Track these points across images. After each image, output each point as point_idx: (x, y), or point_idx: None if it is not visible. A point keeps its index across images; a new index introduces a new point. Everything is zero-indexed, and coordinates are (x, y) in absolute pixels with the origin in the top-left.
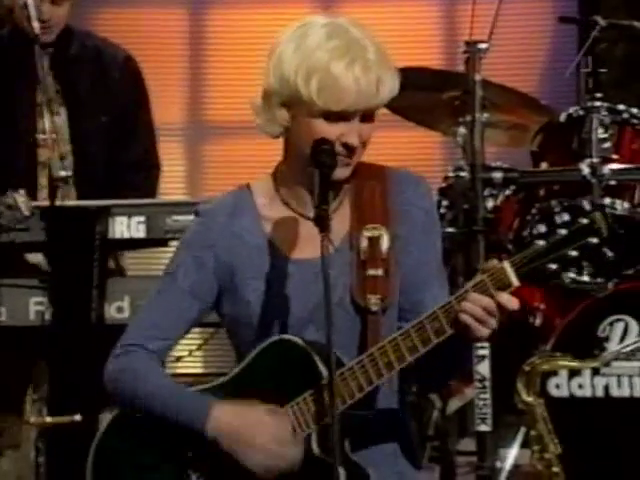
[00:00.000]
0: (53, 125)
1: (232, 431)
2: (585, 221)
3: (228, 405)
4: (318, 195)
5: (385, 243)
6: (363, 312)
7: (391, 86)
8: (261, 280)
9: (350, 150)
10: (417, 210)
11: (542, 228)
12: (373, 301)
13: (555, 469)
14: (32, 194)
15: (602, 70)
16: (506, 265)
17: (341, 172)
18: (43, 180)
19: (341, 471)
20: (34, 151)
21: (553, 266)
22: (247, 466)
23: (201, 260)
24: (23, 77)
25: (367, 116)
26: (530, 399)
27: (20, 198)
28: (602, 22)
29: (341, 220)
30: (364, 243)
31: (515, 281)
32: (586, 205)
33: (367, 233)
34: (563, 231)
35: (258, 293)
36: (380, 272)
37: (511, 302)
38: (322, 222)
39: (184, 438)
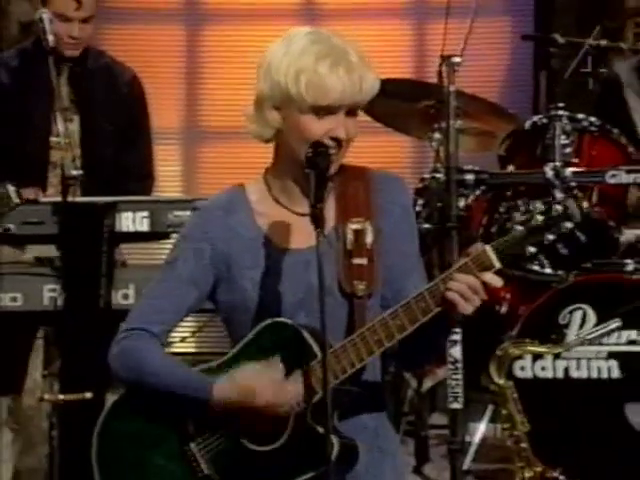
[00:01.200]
0: (66, 130)
1: (236, 387)
2: (559, 208)
3: (225, 377)
4: (314, 195)
5: (369, 235)
6: (350, 297)
7: (372, 84)
8: (256, 269)
9: (338, 144)
10: (397, 207)
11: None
12: (359, 287)
13: (523, 445)
14: (43, 190)
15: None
16: (488, 248)
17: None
18: (54, 179)
19: (335, 440)
20: (47, 152)
21: (532, 249)
22: (258, 408)
23: (199, 251)
24: (42, 85)
25: (352, 111)
26: (501, 382)
27: (11, 188)
28: (560, 40)
29: (327, 214)
30: (350, 235)
31: (496, 263)
32: (558, 194)
33: (352, 226)
34: (540, 217)
35: (254, 282)
36: (365, 261)
37: (495, 279)
38: (317, 220)
39: (185, 413)
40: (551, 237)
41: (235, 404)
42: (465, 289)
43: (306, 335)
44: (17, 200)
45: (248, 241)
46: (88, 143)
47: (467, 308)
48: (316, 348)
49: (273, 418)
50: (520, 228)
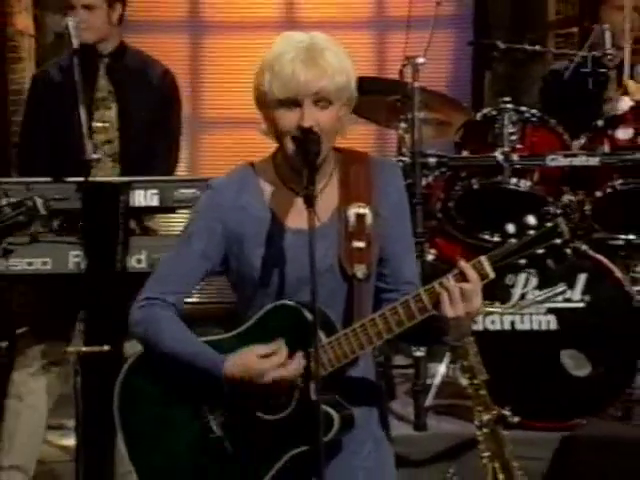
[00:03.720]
0: (106, 116)
1: (242, 363)
2: (550, 225)
3: (236, 356)
4: (306, 178)
5: (369, 219)
6: (350, 279)
7: (331, 76)
8: (264, 247)
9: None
10: (394, 191)
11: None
12: (359, 270)
13: (482, 392)
14: (88, 167)
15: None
16: (483, 259)
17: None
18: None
19: (335, 415)
20: (91, 135)
21: (522, 261)
22: (261, 382)
23: (212, 229)
24: (85, 80)
25: (321, 102)
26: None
27: (39, 200)
28: (501, 45)
29: (330, 196)
30: (352, 218)
31: (491, 273)
32: (554, 210)
33: (354, 210)
34: (532, 232)
35: (262, 259)
36: (364, 244)
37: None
38: (310, 200)
39: (198, 381)
40: (541, 251)
41: (243, 380)
42: (455, 290)
43: (311, 319)
44: (44, 212)
45: (258, 220)
46: (125, 129)
47: (449, 311)
48: (322, 334)
49: (280, 391)
50: (513, 241)
